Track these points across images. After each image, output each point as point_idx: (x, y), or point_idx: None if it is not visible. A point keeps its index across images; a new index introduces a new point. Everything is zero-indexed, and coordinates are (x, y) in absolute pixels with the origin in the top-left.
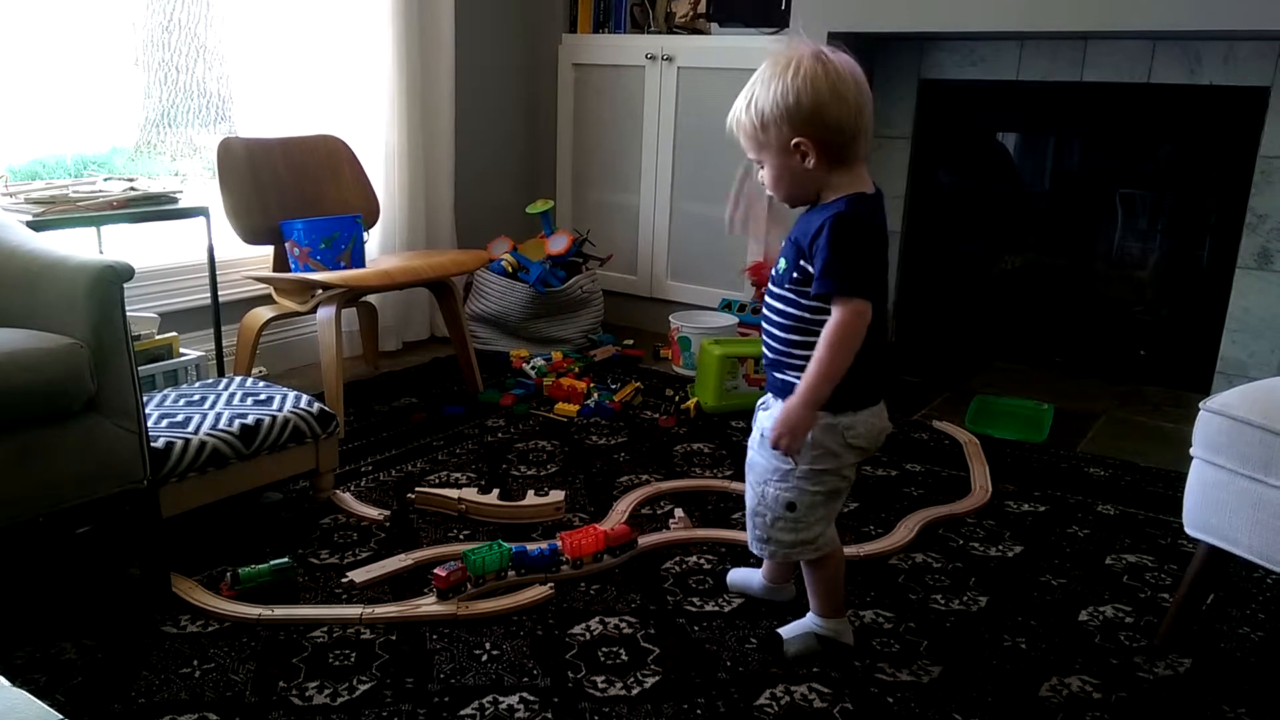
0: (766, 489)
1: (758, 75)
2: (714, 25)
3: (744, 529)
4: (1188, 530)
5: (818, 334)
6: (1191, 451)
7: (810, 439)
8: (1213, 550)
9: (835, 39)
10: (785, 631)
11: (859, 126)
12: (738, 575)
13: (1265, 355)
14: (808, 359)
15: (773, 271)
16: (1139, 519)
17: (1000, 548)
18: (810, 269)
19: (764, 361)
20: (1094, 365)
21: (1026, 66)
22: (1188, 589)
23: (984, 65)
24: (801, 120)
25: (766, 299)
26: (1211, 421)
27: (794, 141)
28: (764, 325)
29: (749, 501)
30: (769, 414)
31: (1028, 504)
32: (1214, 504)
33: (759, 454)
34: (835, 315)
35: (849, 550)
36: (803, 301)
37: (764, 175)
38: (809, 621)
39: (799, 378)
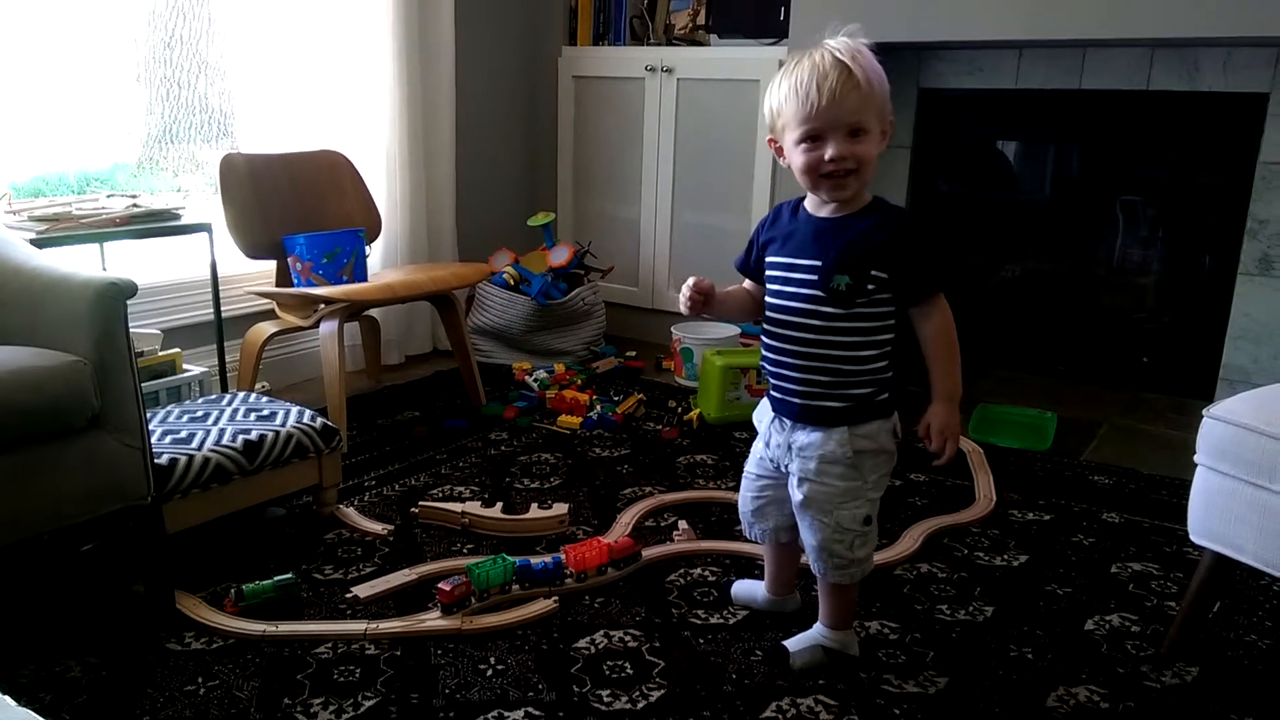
0: (840, 514)
1: (848, 53)
2: (713, 36)
3: (747, 541)
4: (1193, 538)
5: (888, 341)
6: (1195, 458)
7: (880, 446)
8: (1218, 558)
9: None
10: (791, 644)
11: None
12: (741, 588)
13: (1268, 361)
14: (882, 369)
15: (820, 294)
16: (1144, 527)
17: (1005, 557)
18: (883, 276)
19: (795, 400)
20: (1097, 373)
21: (1025, 75)
22: (1194, 597)
23: (983, 74)
24: (889, 106)
25: (808, 325)
26: (1215, 428)
27: (891, 119)
28: (801, 353)
29: (816, 536)
30: (824, 442)
31: (1032, 513)
32: (1218, 511)
33: (822, 483)
34: (941, 311)
35: None
36: (876, 311)
37: (856, 152)
38: (816, 633)
39: (867, 389)
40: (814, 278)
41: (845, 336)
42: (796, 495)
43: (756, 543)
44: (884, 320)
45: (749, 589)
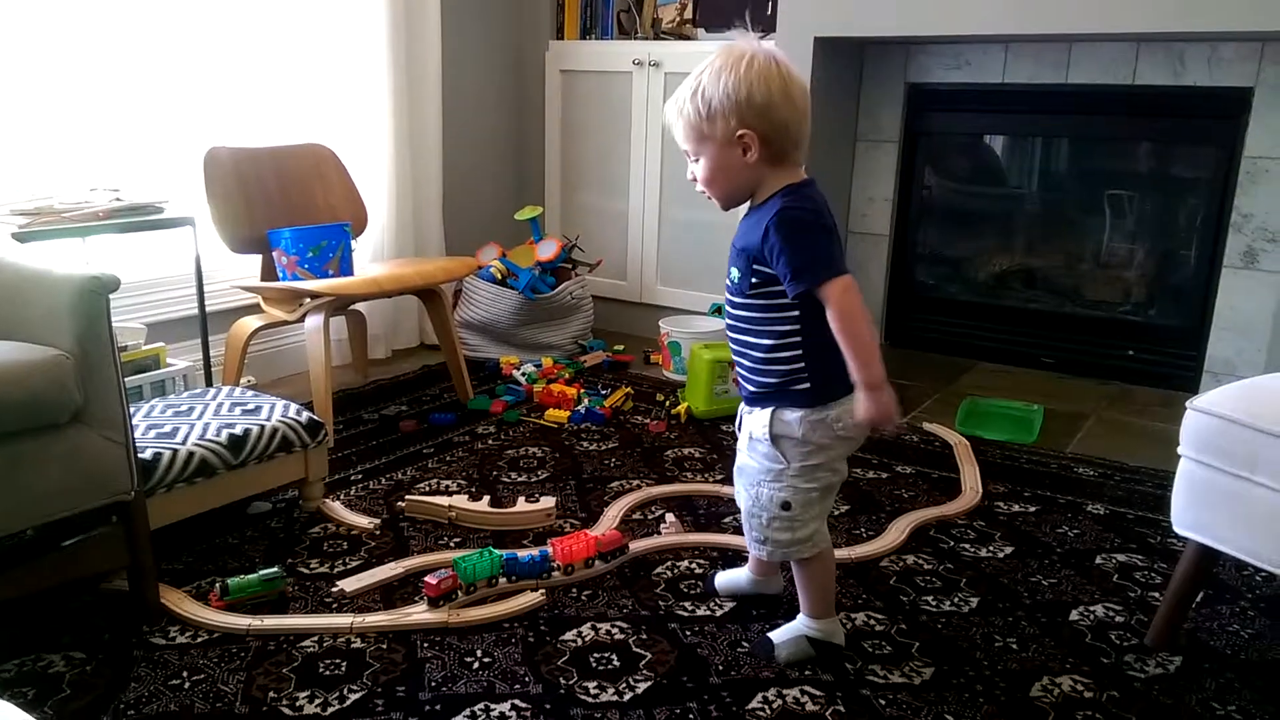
0: (761, 490)
1: (704, 67)
2: (700, 31)
3: (736, 533)
4: (1176, 529)
5: (792, 332)
6: (1179, 450)
7: (800, 436)
8: (1202, 548)
9: (822, 43)
10: (776, 635)
11: (802, 132)
12: (724, 578)
13: (1252, 354)
14: (790, 359)
15: (727, 283)
16: (1129, 518)
17: (991, 549)
18: (768, 271)
19: (738, 370)
20: (1083, 366)
21: (1012, 69)
22: (1178, 587)
23: (970, 69)
24: (751, 114)
25: (730, 311)
26: (1198, 420)
27: (739, 133)
28: (734, 336)
29: (744, 504)
30: (754, 418)
31: (1018, 505)
32: (1202, 502)
33: (750, 457)
34: (834, 301)
35: (840, 553)
36: (769, 304)
37: (698, 171)
38: (800, 624)
39: (781, 377)
40: (728, 267)
41: (747, 324)
42: (737, 464)
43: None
44: (781, 312)
45: (731, 578)
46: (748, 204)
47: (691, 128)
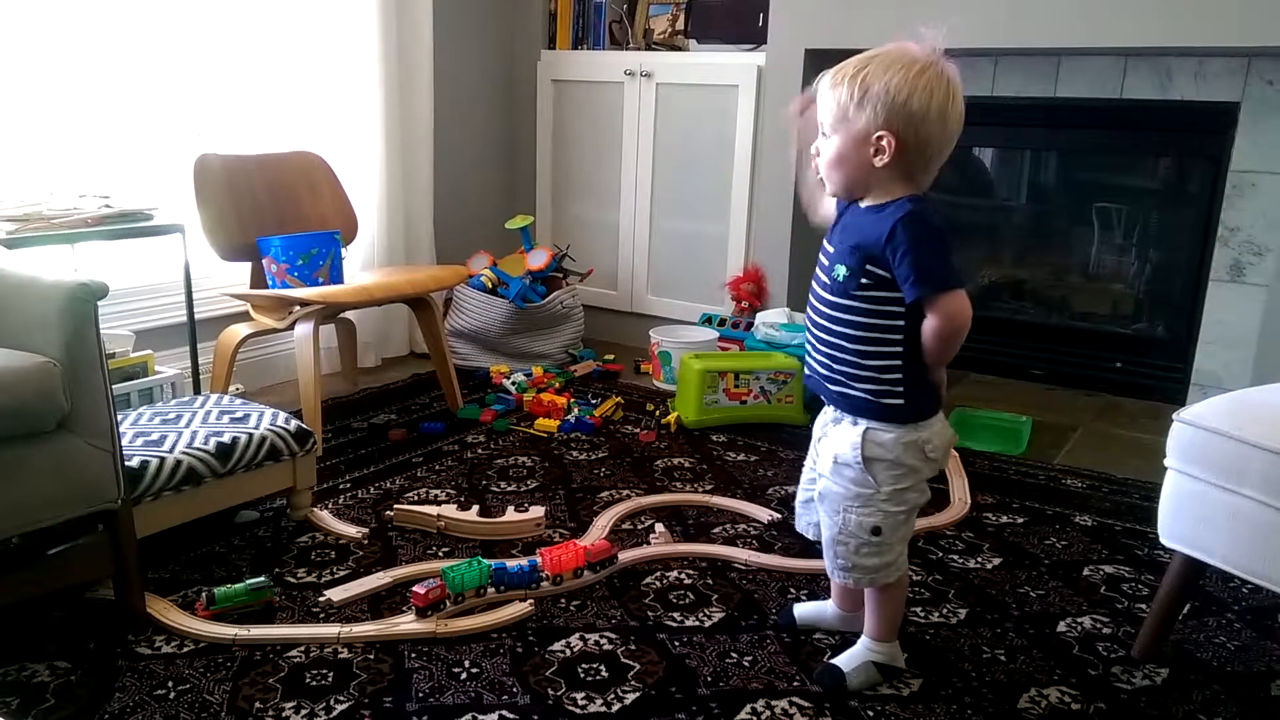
0: (848, 516)
1: (877, 54)
2: (692, 42)
3: (725, 544)
4: (1163, 541)
5: (893, 340)
6: (1166, 462)
7: (894, 459)
8: (1189, 560)
9: (812, 55)
10: (844, 663)
11: (941, 156)
12: (804, 610)
13: (1238, 367)
14: (886, 368)
15: (827, 281)
16: (1116, 530)
17: (979, 560)
18: (882, 273)
19: (819, 378)
20: (1071, 378)
21: (1001, 82)
22: (1164, 599)
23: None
24: (900, 119)
25: (822, 310)
26: (1185, 432)
27: (879, 133)
28: (821, 339)
29: (826, 532)
30: (841, 439)
31: (1006, 516)
32: (1188, 514)
33: (834, 481)
34: (939, 311)
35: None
36: (874, 308)
37: (824, 149)
38: (864, 649)
39: (874, 385)
40: (827, 264)
41: (847, 328)
42: (817, 489)
43: (806, 537)
44: (885, 319)
45: (815, 609)
46: (832, 203)
47: (839, 106)
